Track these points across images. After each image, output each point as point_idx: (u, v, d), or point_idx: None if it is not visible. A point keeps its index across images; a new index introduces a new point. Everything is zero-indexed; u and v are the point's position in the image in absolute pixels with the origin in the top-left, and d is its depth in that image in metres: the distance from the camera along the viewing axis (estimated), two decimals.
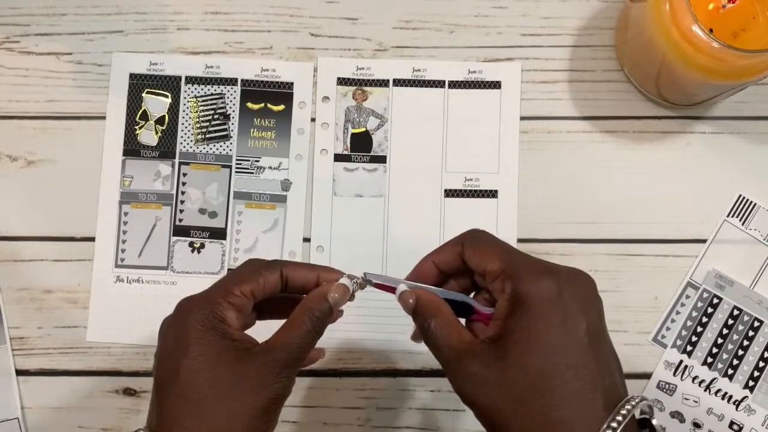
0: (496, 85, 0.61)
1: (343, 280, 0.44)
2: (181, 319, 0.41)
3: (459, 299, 0.42)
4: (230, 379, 0.40)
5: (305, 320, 0.42)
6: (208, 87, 0.61)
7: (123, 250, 0.60)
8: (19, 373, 0.59)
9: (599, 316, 0.39)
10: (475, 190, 0.60)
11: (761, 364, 0.58)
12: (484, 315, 0.42)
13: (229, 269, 0.60)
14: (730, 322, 0.59)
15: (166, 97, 0.61)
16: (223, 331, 0.41)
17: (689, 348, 0.59)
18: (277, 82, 0.61)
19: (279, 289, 0.44)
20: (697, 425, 0.58)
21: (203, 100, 0.61)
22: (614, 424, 0.35)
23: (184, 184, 0.61)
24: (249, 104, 0.61)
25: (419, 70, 0.61)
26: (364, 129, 0.61)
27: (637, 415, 0.38)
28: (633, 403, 0.36)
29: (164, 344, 0.42)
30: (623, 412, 0.36)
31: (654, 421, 0.38)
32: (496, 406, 0.37)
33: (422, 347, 0.59)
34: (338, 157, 0.61)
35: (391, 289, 0.44)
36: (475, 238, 0.42)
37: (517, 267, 0.39)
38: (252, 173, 0.61)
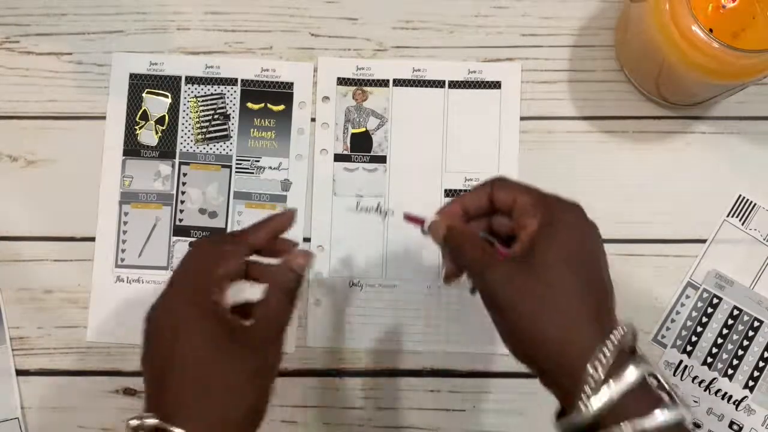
0: (496, 85, 0.61)
1: (303, 248, 0.49)
2: (177, 308, 0.44)
3: (481, 236, 0.47)
4: (225, 359, 0.43)
5: (277, 294, 0.46)
6: (208, 87, 0.61)
7: (123, 250, 0.60)
8: (19, 373, 0.59)
9: (604, 256, 0.43)
10: None
11: (761, 364, 0.58)
12: (502, 254, 0.44)
13: None
14: (730, 322, 0.59)
15: (166, 97, 0.61)
16: (219, 316, 0.44)
17: (689, 348, 0.59)
18: (277, 82, 0.61)
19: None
20: (696, 425, 0.58)
21: (203, 100, 0.61)
22: (609, 345, 0.39)
23: (184, 184, 0.61)
24: (249, 104, 0.61)
25: (419, 70, 0.61)
26: (364, 129, 0.61)
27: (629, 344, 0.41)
28: (624, 330, 0.40)
29: (159, 334, 0.44)
30: (613, 339, 0.39)
31: (638, 349, 0.41)
32: (529, 318, 0.41)
33: (422, 348, 0.59)
34: (338, 157, 0.61)
35: (419, 221, 0.48)
36: (504, 180, 0.46)
37: (548, 198, 0.44)
38: (252, 173, 0.61)
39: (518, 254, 0.43)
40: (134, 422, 0.42)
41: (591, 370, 0.38)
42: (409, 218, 0.49)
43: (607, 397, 0.38)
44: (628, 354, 0.40)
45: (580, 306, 0.40)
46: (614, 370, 0.38)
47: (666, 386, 0.40)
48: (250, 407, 0.43)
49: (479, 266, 0.43)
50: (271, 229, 0.49)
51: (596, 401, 0.38)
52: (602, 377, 0.38)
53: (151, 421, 0.42)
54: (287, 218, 0.50)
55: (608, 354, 0.39)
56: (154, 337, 0.44)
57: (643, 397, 0.39)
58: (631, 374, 0.38)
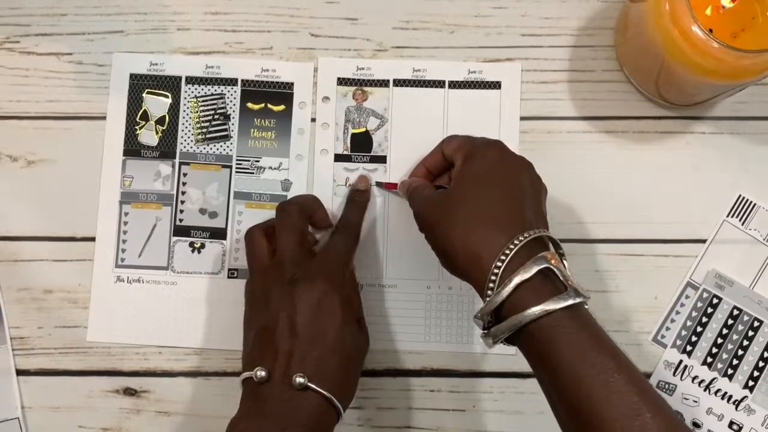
0: (496, 85, 0.61)
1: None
2: (333, 295, 0.51)
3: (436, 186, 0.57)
4: (354, 339, 0.53)
5: (340, 231, 0.57)
6: (209, 87, 0.61)
7: (123, 250, 0.60)
8: (19, 373, 0.59)
9: (532, 184, 0.51)
10: None
11: (761, 364, 0.58)
12: None
13: (229, 269, 0.60)
14: (730, 322, 0.59)
15: (167, 97, 0.61)
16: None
17: (689, 348, 0.59)
18: (278, 83, 0.61)
19: None
20: (696, 425, 0.58)
21: (203, 101, 0.61)
22: (511, 246, 0.46)
23: (184, 184, 0.61)
24: (249, 104, 0.61)
25: (419, 71, 0.61)
26: (364, 129, 0.61)
27: (555, 256, 0.47)
28: (529, 233, 0.46)
29: (313, 303, 0.50)
30: (516, 242, 0.46)
31: (551, 251, 0.47)
32: (446, 231, 0.49)
33: (422, 348, 0.59)
34: (338, 157, 0.61)
35: (394, 186, 0.59)
36: (451, 136, 0.57)
37: (474, 140, 0.54)
38: (252, 173, 0.61)
39: (448, 186, 0.52)
40: (300, 380, 0.48)
41: (494, 269, 0.45)
42: (386, 185, 0.60)
43: (507, 289, 0.45)
44: (535, 256, 0.45)
45: (486, 220, 0.48)
46: (517, 268, 0.45)
47: (561, 279, 0.45)
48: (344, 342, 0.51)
49: (416, 199, 0.54)
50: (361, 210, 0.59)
51: (498, 294, 0.45)
52: (501, 274, 0.45)
53: (301, 380, 0.48)
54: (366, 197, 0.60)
55: (509, 255, 0.45)
56: (317, 302, 0.51)
57: (541, 289, 0.45)
58: (528, 270, 0.45)
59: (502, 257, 0.46)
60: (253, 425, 0.48)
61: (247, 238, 0.55)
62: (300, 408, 0.48)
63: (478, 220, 0.48)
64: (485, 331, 0.47)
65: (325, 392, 0.48)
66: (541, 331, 0.44)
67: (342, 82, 0.61)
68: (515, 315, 0.45)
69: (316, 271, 0.52)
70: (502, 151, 0.52)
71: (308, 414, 0.48)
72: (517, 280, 0.45)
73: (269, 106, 0.61)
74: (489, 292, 0.46)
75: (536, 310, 0.44)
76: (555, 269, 0.45)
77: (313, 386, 0.48)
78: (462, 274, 0.49)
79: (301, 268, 0.52)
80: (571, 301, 0.44)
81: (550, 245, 0.48)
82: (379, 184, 0.60)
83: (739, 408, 0.58)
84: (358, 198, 0.59)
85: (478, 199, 0.49)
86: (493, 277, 0.46)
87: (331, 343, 0.50)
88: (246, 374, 0.50)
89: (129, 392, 0.59)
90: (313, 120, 0.61)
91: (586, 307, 0.46)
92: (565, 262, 0.48)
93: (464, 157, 0.52)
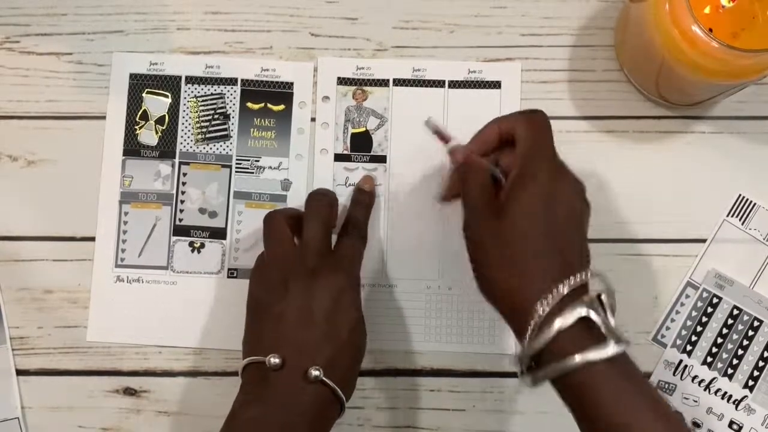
0: (496, 85, 0.61)
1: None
2: (351, 293, 0.52)
3: (491, 173, 0.50)
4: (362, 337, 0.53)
5: (348, 230, 0.57)
6: (208, 87, 0.61)
7: (123, 250, 0.60)
8: (19, 373, 0.59)
9: (582, 213, 0.49)
10: None
11: (761, 363, 0.58)
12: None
13: (229, 269, 0.60)
14: (730, 321, 0.59)
15: (167, 97, 0.61)
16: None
17: (689, 348, 0.59)
18: (277, 82, 0.61)
19: None
20: (696, 425, 0.58)
21: (203, 100, 0.61)
22: (555, 291, 0.44)
23: (184, 183, 0.61)
24: (249, 104, 0.61)
25: (419, 70, 0.61)
26: (364, 129, 0.61)
27: (593, 289, 0.46)
28: (575, 278, 0.45)
29: (332, 298, 0.51)
30: (560, 287, 0.44)
31: (603, 297, 0.46)
32: (486, 252, 0.47)
33: (422, 348, 0.59)
34: (338, 157, 0.61)
35: (444, 140, 0.52)
36: (534, 113, 0.51)
37: (530, 150, 0.49)
38: (252, 173, 0.61)
39: (501, 201, 0.48)
40: (316, 372, 0.48)
41: (536, 312, 0.44)
42: (436, 132, 0.53)
43: (547, 335, 0.43)
44: (580, 299, 0.44)
45: (535, 260, 0.46)
46: (558, 312, 0.44)
47: (602, 328, 0.44)
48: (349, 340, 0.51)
49: (472, 202, 0.49)
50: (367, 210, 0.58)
51: (537, 339, 0.44)
52: (542, 319, 0.44)
53: (317, 373, 0.48)
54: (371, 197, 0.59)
55: (551, 299, 0.44)
56: (342, 301, 0.51)
57: (582, 338, 0.44)
58: (569, 317, 0.44)
59: (545, 302, 0.44)
60: (259, 412, 0.48)
61: (268, 221, 0.54)
62: (309, 399, 0.49)
63: (527, 257, 0.46)
64: (523, 372, 0.47)
65: (335, 386, 0.49)
66: (582, 377, 0.44)
67: (342, 81, 0.61)
68: (555, 363, 0.44)
69: (337, 266, 0.52)
70: (553, 176, 0.49)
71: (316, 406, 0.49)
72: (557, 326, 0.44)
73: (269, 105, 0.61)
74: (528, 334, 0.45)
75: (578, 360, 0.43)
76: (595, 316, 0.44)
77: (326, 380, 0.49)
78: (497, 305, 0.48)
79: (324, 260, 0.52)
80: (612, 352, 0.43)
81: (595, 287, 0.47)
82: (428, 123, 0.53)
83: (739, 408, 0.58)
84: (363, 198, 0.59)
85: (529, 232, 0.47)
86: (533, 320, 0.44)
87: (345, 339, 0.50)
88: (256, 358, 0.49)
89: (129, 392, 0.59)
90: (313, 120, 0.61)
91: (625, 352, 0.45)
92: (607, 300, 0.46)
93: (519, 173, 0.48)
